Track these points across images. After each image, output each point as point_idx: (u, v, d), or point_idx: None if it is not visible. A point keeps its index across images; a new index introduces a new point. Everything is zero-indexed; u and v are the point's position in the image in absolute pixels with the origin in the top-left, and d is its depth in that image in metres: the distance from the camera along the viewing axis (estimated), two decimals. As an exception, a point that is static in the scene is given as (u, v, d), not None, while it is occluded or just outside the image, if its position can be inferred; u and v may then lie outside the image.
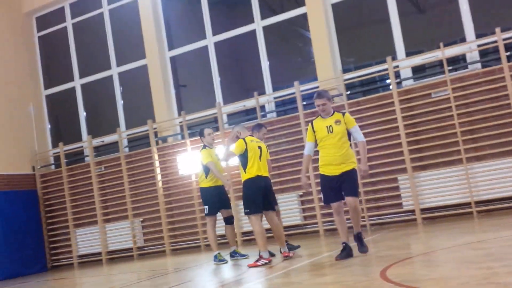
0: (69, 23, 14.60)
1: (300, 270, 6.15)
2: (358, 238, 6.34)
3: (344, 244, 6.29)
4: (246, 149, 7.04)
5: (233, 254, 8.20)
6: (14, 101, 13.97)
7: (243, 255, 8.18)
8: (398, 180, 10.17)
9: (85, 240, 13.38)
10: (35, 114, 14.44)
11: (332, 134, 6.23)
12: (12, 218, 12.83)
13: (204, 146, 8.27)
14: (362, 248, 6.30)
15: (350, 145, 6.37)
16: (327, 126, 6.27)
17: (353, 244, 6.39)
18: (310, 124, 6.45)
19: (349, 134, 6.31)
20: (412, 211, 10.01)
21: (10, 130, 13.62)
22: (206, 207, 8.18)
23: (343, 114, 6.37)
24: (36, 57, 14.95)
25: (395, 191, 10.23)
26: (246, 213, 7.09)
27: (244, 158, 7.05)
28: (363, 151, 6.30)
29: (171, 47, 13.32)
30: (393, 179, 10.24)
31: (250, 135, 7.43)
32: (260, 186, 7.05)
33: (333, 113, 6.37)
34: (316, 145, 6.44)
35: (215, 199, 8.13)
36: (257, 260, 6.99)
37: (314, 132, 6.37)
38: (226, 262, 7.97)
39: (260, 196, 7.05)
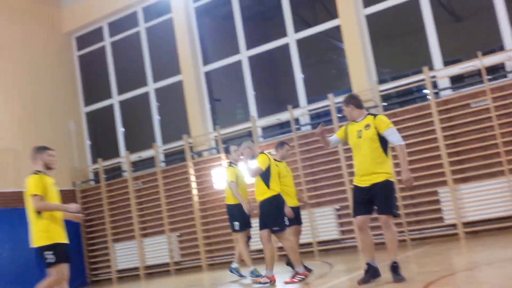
0: (107, 42, 14.93)
1: (338, 287, 6.00)
2: (393, 269, 5.42)
3: (367, 265, 5.57)
4: (269, 165, 6.88)
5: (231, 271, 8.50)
6: (56, 119, 14.32)
7: (242, 275, 8.34)
8: (439, 193, 9.89)
9: (124, 255, 13.51)
10: (76, 131, 14.77)
11: (361, 139, 5.59)
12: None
13: (230, 164, 8.27)
14: (397, 276, 5.38)
15: (386, 152, 5.59)
16: (357, 131, 5.66)
17: (382, 265, 5.71)
18: (344, 126, 5.95)
19: (385, 140, 5.58)
20: (454, 225, 9.70)
21: (53, 147, 13.92)
22: (237, 223, 8.08)
23: (375, 116, 5.67)
24: (76, 75, 15.32)
25: (436, 204, 9.94)
26: (276, 231, 6.77)
27: (267, 174, 6.84)
28: (402, 156, 5.51)
29: (205, 62, 13.43)
30: (433, 192, 9.96)
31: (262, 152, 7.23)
32: (283, 203, 6.95)
33: (365, 117, 5.72)
34: (340, 141, 6.01)
35: (245, 215, 8.03)
36: (294, 276, 6.82)
37: (346, 133, 5.82)
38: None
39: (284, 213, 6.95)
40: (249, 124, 12.09)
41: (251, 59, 12.81)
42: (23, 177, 13.79)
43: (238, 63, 12.92)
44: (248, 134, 12.36)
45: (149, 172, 13.43)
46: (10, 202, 12.76)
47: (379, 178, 5.50)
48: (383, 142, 5.56)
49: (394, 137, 5.55)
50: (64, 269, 5.59)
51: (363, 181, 5.60)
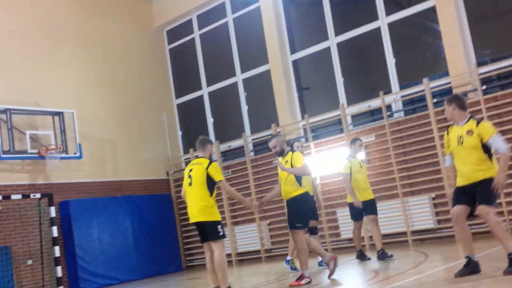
0: (196, 34, 15.25)
1: (432, 277, 5.75)
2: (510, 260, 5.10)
3: (467, 258, 5.35)
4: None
5: (287, 263, 8.68)
6: (149, 111, 14.87)
7: (294, 268, 8.48)
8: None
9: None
10: (168, 122, 15.26)
11: (462, 146, 5.35)
12: (150, 220, 13.60)
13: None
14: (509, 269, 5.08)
15: (491, 158, 5.35)
16: (458, 136, 5.40)
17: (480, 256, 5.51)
18: (446, 132, 5.68)
19: (488, 148, 5.30)
20: None
21: (145, 138, 14.52)
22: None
23: (478, 122, 5.36)
24: (167, 68, 15.81)
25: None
26: (297, 228, 6.85)
27: None
28: (504, 163, 5.20)
29: (293, 51, 13.35)
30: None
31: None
32: (312, 201, 7.42)
33: (468, 120, 5.44)
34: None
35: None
36: (300, 279, 6.78)
37: (448, 141, 5.58)
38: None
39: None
40: (338, 112, 11.88)
41: (340, 45, 12.56)
42: (120, 167, 14.47)
43: (327, 50, 12.72)
44: (338, 122, 12.16)
45: (239, 162, 13.60)
46: (109, 191, 13.44)
47: (483, 176, 5.29)
48: (487, 149, 5.32)
49: (499, 145, 5.27)
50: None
51: (464, 181, 5.41)
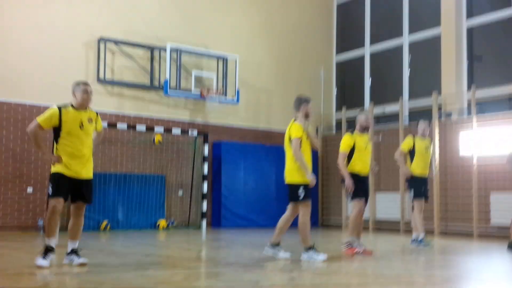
0: (368, -11, 14.73)
1: None
2: None
3: None
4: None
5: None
6: (308, 64, 14.89)
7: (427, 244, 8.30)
8: None
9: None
10: (325, 78, 15.16)
11: None
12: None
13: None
14: None
15: None
16: None
17: None
18: None
19: None
20: None
21: (300, 91, 14.46)
22: (413, 191, 8.47)
23: None
24: (332, 24, 15.57)
25: None
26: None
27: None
28: None
29: (469, 15, 12.29)
30: None
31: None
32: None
33: None
34: None
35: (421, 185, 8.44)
36: (350, 247, 7.09)
37: None
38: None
39: None
40: (511, 87, 10.78)
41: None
42: (273, 117, 14.80)
43: (507, 19, 11.49)
44: (509, 99, 11.07)
45: (391, 128, 13.12)
46: (260, 138, 13.89)
47: None
48: None
49: None
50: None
51: None
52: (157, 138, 11.92)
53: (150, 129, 11.90)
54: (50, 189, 5.56)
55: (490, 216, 10.88)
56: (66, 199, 5.62)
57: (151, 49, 12.38)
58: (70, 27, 11.46)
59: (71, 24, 11.49)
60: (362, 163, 7.24)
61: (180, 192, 12.56)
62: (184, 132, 12.33)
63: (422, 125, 8.60)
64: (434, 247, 8.60)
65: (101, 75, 11.68)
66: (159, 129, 11.99)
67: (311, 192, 6.54)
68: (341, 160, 7.19)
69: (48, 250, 5.44)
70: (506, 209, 9.98)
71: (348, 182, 7.07)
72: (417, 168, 8.43)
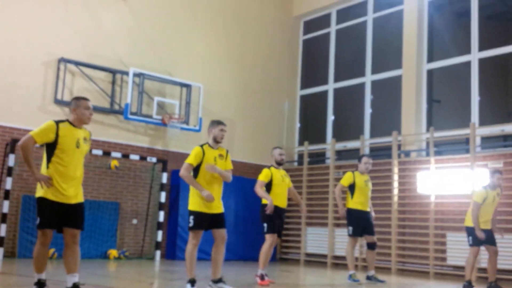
0: (333, 28, 15.00)
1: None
2: None
3: None
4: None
5: (370, 277, 8.70)
6: (272, 97, 14.93)
7: (381, 280, 8.59)
8: None
9: (314, 239, 13.57)
10: (288, 112, 15.22)
11: None
12: (253, 205, 13.59)
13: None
14: None
15: None
16: None
17: None
18: None
19: None
20: None
21: (264, 123, 14.60)
22: (351, 228, 8.66)
23: None
24: (298, 58, 15.74)
25: None
26: None
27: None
28: None
29: (430, 60, 12.64)
30: None
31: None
32: None
33: None
34: None
35: (360, 222, 8.64)
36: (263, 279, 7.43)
37: None
38: (360, 283, 8.32)
39: None
40: (468, 130, 11.04)
41: (482, 61, 11.66)
42: (235, 148, 14.68)
43: (466, 64, 11.87)
44: (465, 141, 11.32)
45: (352, 163, 13.18)
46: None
47: None
48: None
49: None
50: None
51: None
52: (113, 163, 11.59)
53: (107, 153, 11.59)
54: (38, 219, 5.07)
55: (447, 255, 10.97)
56: (55, 228, 5.16)
57: (114, 72, 12.16)
58: (29, 45, 11.13)
59: (31, 42, 11.16)
60: (279, 197, 7.66)
61: (135, 221, 12.19)
62: (143, 158, 12.07)
63: (366, 159, 8.84)
64: (389, 285, 8.56)
65: (59, 96, 11.36)
66: (116, 154, 11.70)
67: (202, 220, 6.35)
68: (258, 188, 7.60)
69: (42, 284, 5.20)
70: (462, 249, 10.07)
71: (270, 206, 7.48)
72: (358, 203, 8.65)
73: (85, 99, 5.42)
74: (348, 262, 8.65)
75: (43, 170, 5.14)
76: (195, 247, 6.20)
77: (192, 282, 6.23)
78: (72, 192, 5.16)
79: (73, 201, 5.18)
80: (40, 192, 5.11)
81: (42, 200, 5.08)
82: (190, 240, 6.21)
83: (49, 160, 5.13)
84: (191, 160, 6.22)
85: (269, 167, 7.84)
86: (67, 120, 5.32)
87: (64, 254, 5.24)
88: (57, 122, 5.21)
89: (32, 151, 5.10)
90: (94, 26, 12.05)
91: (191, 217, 6.16)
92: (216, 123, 6.50)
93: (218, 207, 6.36)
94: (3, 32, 10.89)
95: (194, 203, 6.20)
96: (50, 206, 5.06)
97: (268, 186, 7.63)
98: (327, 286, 8.72)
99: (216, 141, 6.49)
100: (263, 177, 7.65)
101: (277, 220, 7.62)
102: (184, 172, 6.15)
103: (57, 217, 5.09)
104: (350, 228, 8.66)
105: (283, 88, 15.26)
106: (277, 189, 7.67)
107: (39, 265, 5.16)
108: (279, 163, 7.83)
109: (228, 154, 6.53)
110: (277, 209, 7.56)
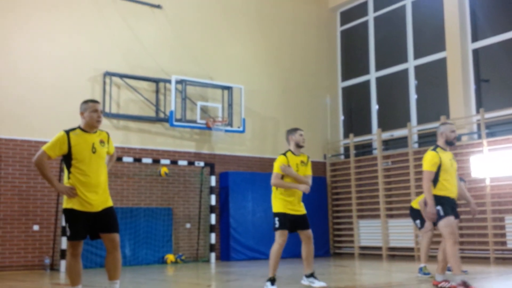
0: (370, 17, 14.75)
1: None
2: None
3: None
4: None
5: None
6: (313, 92, 14.82)
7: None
8: None
9: (367, 232, 13.41)
10: (331, 105, 15.08)
11: None
12: (303, 201, 13.60)
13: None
14: None
15: None
16: None
17: None
18: None
19: None
20: None
21: (306, 119, 14.51)
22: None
23: None
24: (336, 50, 15.57)
25: None
26: None
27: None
28: None
29: (474, 39, 12.23)
30: None
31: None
32: None
33: None
34: None
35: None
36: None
37: None
38: (432, 276, 7.55)
39: None
40: (521, 109, 10.64)
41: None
42: (280, 145, 14.66)
43: (514, 40, 11.44)
44: (518, 120, 10.93)
45: (400, 152, 12.96)
46: (267, 167, 13.71)
47: None
48: None
49: None
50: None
51: None
52: (163, 170, 11.80)
53: (156, 161, 11.80)
54: (68, 230, 4.96)
55: (506, 238, 10.62)
56: (85, 238, 5.07)
57: (156, 81, 12.37)
58: (75, 62, 11.46)
59: (76, 59, 11.48)
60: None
61: (188, 225, 12.37)
62: (191, 163, 12.21)
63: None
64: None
65: (107, 109, 11.64)
66: (165, 161, 11.89)
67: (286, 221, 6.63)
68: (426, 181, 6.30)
69: None
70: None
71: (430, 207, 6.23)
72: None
73: (93, 101, 5.21)
74: (421, 254, 8.05)
75: (65, 181, 5.04)
76: (281, 247, 6.46)
77: (272, 280, 6.50)
78: (98, 200, 5.01)
79: (101, 207, 5.03)
80: (66, 203, 5.00)
81: (69, 211, 4.98)
82: (277, 239, 6.49)
83: (69, 171, 5.02)
84: (278, 169, 6.61)
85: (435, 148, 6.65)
86: (79, 127, 5.15)
87: (106, 261, 5.16)
88: (68, 132, 5.06)
89: (47, 165, 5.02)
90: (134, 38, 12.28)
91: (276, 219, 6.54)
92: (294, 130, 6.84)
93: (300, 209, 6.76)
94: (50, 54, 11.23)
95: (278, 205, 6.59)
96: (78, 217, 4.95)
97: None
98: (394, 279, 8.54)
99: (299, 145, 6.80)
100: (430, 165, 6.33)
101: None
102: (275, 181, 6.57)
103: (87, 226, 4.98)
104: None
105: (324, 82, 15.11)
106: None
107: (72, 277, 5.02)
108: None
109: (309, 161, 6.89)
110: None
